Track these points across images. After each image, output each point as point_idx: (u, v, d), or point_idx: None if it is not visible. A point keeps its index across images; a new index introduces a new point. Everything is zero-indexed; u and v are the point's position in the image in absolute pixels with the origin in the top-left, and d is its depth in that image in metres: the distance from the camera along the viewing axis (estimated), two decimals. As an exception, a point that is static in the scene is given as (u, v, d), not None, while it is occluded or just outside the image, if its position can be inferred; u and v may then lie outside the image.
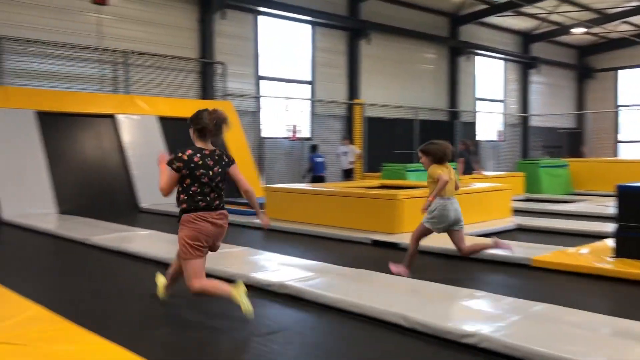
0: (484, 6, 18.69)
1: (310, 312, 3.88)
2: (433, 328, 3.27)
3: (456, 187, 5.02)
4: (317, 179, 13.45)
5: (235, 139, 12.59)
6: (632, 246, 4.78)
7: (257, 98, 14.19)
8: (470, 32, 19.55)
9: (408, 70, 17.83)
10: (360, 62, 16.26)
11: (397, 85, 17.49)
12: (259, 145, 14.13)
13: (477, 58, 20.34)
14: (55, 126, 10.27)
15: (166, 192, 3.53)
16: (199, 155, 3.52)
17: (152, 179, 10.81)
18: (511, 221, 7.75)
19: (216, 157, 3.56)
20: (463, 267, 5.37)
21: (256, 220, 7.89)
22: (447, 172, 4.85)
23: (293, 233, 7.40)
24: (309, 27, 15.33)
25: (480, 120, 20.62)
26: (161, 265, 5.26)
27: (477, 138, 20.16)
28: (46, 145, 9.96)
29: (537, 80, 22.73)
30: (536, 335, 3.05)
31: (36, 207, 9.33)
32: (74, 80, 11.24)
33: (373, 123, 16.46)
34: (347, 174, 13.63)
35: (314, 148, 13.96)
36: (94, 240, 6.50)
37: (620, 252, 4.87)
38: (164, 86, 12.49)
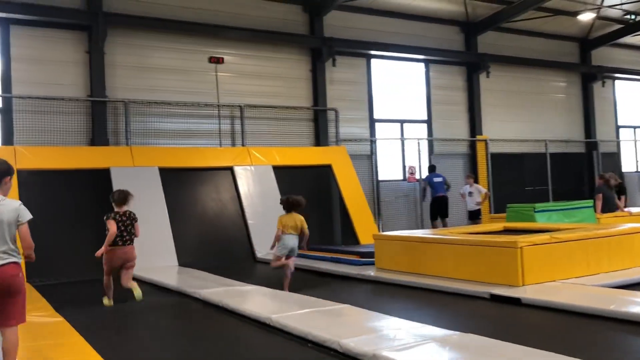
0: (617, 26, 17.09)
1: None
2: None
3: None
4: (438, 200, 12.82)
5: (348, 184, 12.37)
6: None
7: (372, 141, 13.93)
8: (604, 56, 17.92)
9: (534, 101, 16.63)
10: (480, 97, 15.46)
11: (523, 118, 16.35)
12: (375, 188, 13.78)
13: (616, 82, 18.55)
14: (176, 181, 10.73)
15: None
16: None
17: (267, 229, 10.89)
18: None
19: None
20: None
21: (365, 272, 7.53)
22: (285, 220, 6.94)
23: (403, 286, 6.86)
24: (422, 65, 14.92)
25: (625, 150, 18.60)
26: (254, 322, 5.04)
27: (623, 170, 18.18)
28: (168, 199, 10.39)
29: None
30: None
31: (160, 260, 9.68)
32: (194, 136, 11.76)
33: (498, 159, 15.45)
34: (474, 216, 12.77)
35: (432, 168, 13.48)
36: (201, 294, 6.46)
37: None
38: (279, 136, 12.68)
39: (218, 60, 12.07)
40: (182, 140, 11.59)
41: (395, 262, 7.52)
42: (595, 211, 10.11)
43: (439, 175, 13.27)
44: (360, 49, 13.69)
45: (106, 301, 6.55)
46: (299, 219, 6.95)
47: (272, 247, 7.09)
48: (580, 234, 6.46)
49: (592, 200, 10.23)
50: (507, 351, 3.73)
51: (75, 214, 9.65)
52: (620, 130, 18.68)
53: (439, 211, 12.99)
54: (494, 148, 15.52)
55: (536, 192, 16.07)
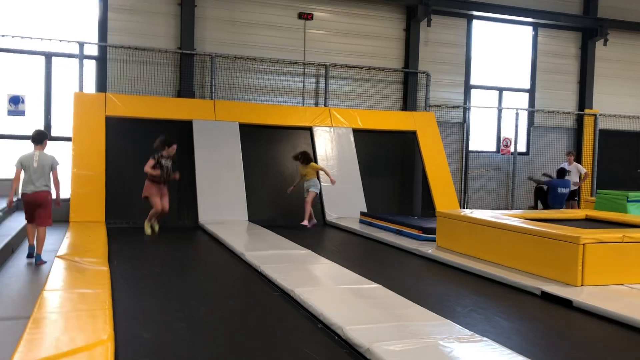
0: None
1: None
2: None
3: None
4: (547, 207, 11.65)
5: (433, 153, 11.83)
6: None
7: (466, 108, 13.14)
8: None
9: (659, 73, 14.76)
10: (593, 66, 13.98)
11: (642, 92, 14.61)
12: (464, 159, 13.08)
13: None
14: (255, 137, 10.82)
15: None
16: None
17: (340, 193, 10.78)
18: None
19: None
20: None
21: (424, 248, 7.19)
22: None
23: (454, 268, 6.47)
24: (529, 28, 13.69)
25: None
26: (280, 290, 4.97)
27: None
28: (245, 155, 10.53)
29: None
30: None
31: (231, 214, 9.91)
32: (278, 93, 11.73)
33: (609, 137, 14.02)
34: (570, 196, 11.71)
35: (561, 173, 11.15)
36: (246, 257, 6.50)
37: None
38: (364, 98, 12.32)
39: (307, 17, 11.82)
40: (265, 97, 11.61)
41: (455, 242, 7.09)
42: None
43: (566, 185, 11.03)
44: (461, 9, 12.79)
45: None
46: (315, 167, 9.93)
47: (291, 190, 9.90)
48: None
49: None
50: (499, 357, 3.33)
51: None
52: None
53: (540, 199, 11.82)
54: (605, 124, 14.08)
55: (650, 177, 14.48)
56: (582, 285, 5.26)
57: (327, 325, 4.11)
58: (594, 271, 5.30)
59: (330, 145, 11.22)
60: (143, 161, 9.72)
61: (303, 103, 11.90)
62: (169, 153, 8.38)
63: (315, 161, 10.97)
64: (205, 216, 9.63)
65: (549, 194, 11.22)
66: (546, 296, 5.17)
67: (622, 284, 5.37)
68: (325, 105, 11.83)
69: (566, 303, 4.94)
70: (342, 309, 4.39)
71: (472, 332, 3.88)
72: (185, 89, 10.95)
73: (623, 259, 5.42)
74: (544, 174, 12.11)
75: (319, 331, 4.10)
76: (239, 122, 10.74)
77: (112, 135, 9.93)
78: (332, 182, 9.74)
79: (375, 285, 5.23)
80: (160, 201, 8.30)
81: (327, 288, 5.20)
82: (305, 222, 9.52)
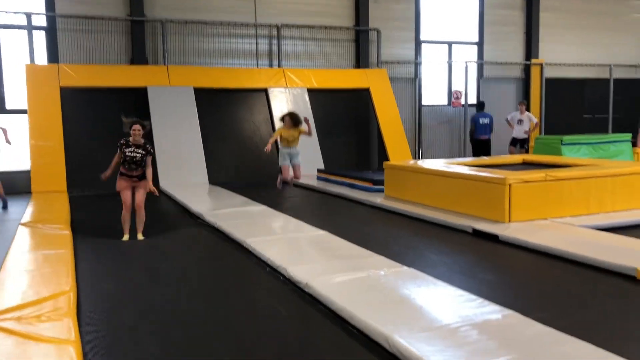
0: None
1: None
2: None
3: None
4: (480, 143, 12.46)
5: (386, 109, 12.22)
6: None
7: (417, 63, 13.52)
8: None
9: (600, 22, 15.30)
10: (539, 17, 14.44)
11: (587, 40, 15.16)
12: (417, 114, 13.53)
13: None
14: (210, 101, 11.03)
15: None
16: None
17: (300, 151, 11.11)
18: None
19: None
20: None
21: (373, 199, 7.66)
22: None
23: (399, 214, 6.96)
24: (476, -18, 14.03)
25: None
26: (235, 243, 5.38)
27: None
28: (201, 119, 10.76)
29: None
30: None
31: (191, 177, 10.21)
32: (231, 56, 11.88)
33: (555, 85, 14.62)
34: (521, 144, 12.37)
35: (480, 106, 12.78)
36: (205, 216, 6.86)
37: None
38: (317, 57, 12.56)
39: (257, -22, 11.91)
40: (219, 60, 11.76)
41: (401, 191, 7.57)
42: (636, 145, 9.54)
43: (486, 115, 12.56)
44: (409, -35, 13.02)
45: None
46: (302, 130, 8.53)
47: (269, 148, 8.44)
48: (582, 172, 6.21)
49: (629, 134, 9.63)
50: (428, 283, 3.83)
51: (113, 130, 10.19)
52: None
53: (481, 154, 12.52)
54: (551, 73, 14.65)
55: (595, 121, 15.20)
56: (509, 221, 5.80)
57: (273, 268, 4.53)
58: (519, 208, 5.83)
59: (286, 105, 11.49)
60: (101, 130, 9.92)
61: (257, 65, 12.09)
62: (134, 139, 5.81)
63: (272, 123, 11.28)
64: (166, 181, 9.90)
65: (475, 129, 12.18)
66: (477, 233, 5.69)
67: (545, 219, 5.93)
68: (279, 67, 12.05)
69: (493, 238, 5.47)
70: (287, 253, 4.82)
71: (401, 264, 4.35)
72: (138, 56, 11.03)
73: (546, 196, 5.96)
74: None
75: (267, 274, 4.52)
76: (193, 87, 10.93)
77: (68, 105, 10.02)
78: (310, 134, 8.68)
79: (322, 232, 5.66)
80: (131, 195, 5.95)
81: (277, 237, 5.61)
82: (278, 183, 8.89)
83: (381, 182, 8.27)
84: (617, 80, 15.24)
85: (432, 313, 3.38)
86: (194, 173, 10.29)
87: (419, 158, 13.45)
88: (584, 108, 15.31)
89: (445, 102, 14.02)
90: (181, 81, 10.91)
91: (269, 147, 8.36)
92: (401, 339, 2.91)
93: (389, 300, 3.61)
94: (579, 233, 5.33)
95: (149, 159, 5.93)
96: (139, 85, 10.60)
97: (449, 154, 13.90)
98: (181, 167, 10.24)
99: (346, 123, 12.27)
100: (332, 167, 11.06)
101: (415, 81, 13.56)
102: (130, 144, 5.82)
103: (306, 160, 11.08)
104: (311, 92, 11.83)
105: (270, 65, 12.21)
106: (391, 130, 12.11)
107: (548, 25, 14.62)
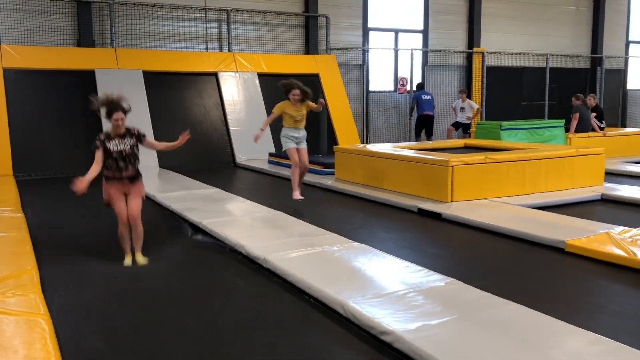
0: None
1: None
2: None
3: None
4: (424, 119, 12.94)
5: (335, 94, 12.48)
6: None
7: (364, 50, 13.83)
8: (621, -36, 17.01)
9: (539, 12, 16.04)
10: (480, 7, 15.01)
11: (526, 30, 15.87)
12: (365, 99, 13.87)
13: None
14: (160, 84, 10.98)
15: None
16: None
17: (248, 135, 11.25)
18: (597, 190, 6.82)
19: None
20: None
21: (324, 181, 7.92)
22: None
23: (348, 195, 7.27)
24: (422, -29, 14.42)
25: (633, 67, 18.06)
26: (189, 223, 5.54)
27: (628, 87, 17.83)
28: (151, 103, 10.71)
29: None
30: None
31: (141, 161, 10.15)
32: (181, 39, 11.83)
33: (496, 73, 15.25)
34: (464, 129, 12.92)
35: (420, 86, 13.46)
36: (158, 197, 6.94)
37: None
38: (267, 42, 12.66)
39: (207, -39, 11.87)
40: (168, 44, 11.69)
41: (350, 174, 7.87)
42: (569, 131, 10.19)
43: (427, 93, 13.21)
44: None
45: None
46: (311, 105, 6.37)
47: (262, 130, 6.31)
48: (518, 155, 6.67)
49: (563, 120, 10.27)
50: (379, 257, 4.13)
51: (60, 113, 10.06)
52: (631, 45, 18.06)
53: (424, 129, 13.07)
54: (492, 61, 15.27)
55: (532, 108, 15.97)
56: (452, 201, 6.18)
57: (231, 247, 4.72)
58: (461, 189, 6.23)
59: (237, 90, 11.59)
60: (47, 113, 9.76)
61: (207, 49, 12.09)
62: (115, 131, 4.44)
63: (223, 107, 11.34)
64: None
65: (418, 105, 12.89)
66: (422, 212, 6.06)
67: (484, 198, 6.35)
68: (229, 51, 12.09)
69: (437, 216, 5.84)
70: (244, 233, 5.02)
71: (353, 241, 4.64)
72: (85, 38, 10.84)
73: (485, 177, 6.39)
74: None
75: (227, 253, 4.71)
76: (142, 70, 10.85)
77: (12, 87, 9.78)
78: (318, 108, 6.49)
79: (277, 212, 5.88)
80: (126, 205, 4.53)
81: (233, 218, 5.80)
82: (298, 194, 6.44)
83: (331, 166, 8.53)
84: (552, 69, 16.03)
85: (382, 282, 3.68)
86: (143, 157, 10.20)
87: (367, 142, 13.81)
88: (522, 95, 16.05)
89: (392, 88, 14.41)
90: (130, 64, 10.80)
91: (259, 134, 6.20)
92: (355, 304, 3.19)
93: (342, 272, 3.88)
94: (515, 211, 5.76)
95: (148, 141, 4.70)
96: (86, 68, 10.43)
97: (395, 138, 14.33)
98: (131, 151, 10.18)
99: (296, 108, 12.44)
100: (282, 151, 11.24)
101: (363, 68, 13.87)
102: (112, 136, 4.44)
103: (257, 144, 11.22)
104: (261, 76, 11.94)
105: (220, 49, 12.23)
106: (340, 115, 12.39)
107: (490, 15, 15.21)
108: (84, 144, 9.64)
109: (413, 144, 8.91)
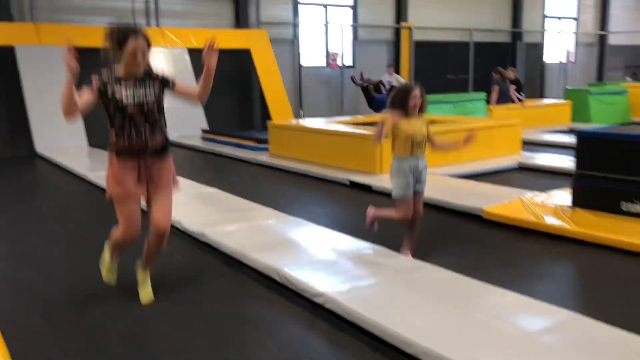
0: None
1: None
2: (302, 286, 3.25)
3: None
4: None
5: (267, 69, 12.51)
6: (588, 196, 4.40)
7: (295, 25, 13.88)
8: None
9: (464, -12, 16.60)
10: (408, -18, 15.35)
11: (451, 5, 16.38)
12: (298, 74, 13.97)
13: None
14: (85, 61, 10.61)
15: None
16: None
17: (180, 112, 11.16)
18: (514, 159, 7.32)
19: None
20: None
21: (258, 157, 8.05)
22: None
23: (282, 170, 7.44)
24: (350, -55, 14.55)
25: (548, 41, 19.04)
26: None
27: (545, 60, 18.79)
28: (77, 79, 10.37)
29: (621, -7, 20.46)
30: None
31: (69, 140, 9.91)
32: (106, 14, 11.46)
33: (423, 48, 15.69)
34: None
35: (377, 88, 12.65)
36: (89, 176, 6.86)
37: (577, 202, 4.49)
38: (197, 17, 12.48)
39: None
40: (94, 18, 11.31)
41: (284, 148, 8.03)
42: (490, 103, 10.75)
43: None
44: None
45: None
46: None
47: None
48: (443, 127, 7.05)
49: (484, 93, 10.82)
50: (312, 229, 4.35)
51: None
52: (546, 20, 18.97)
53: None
54: (419, 36, 15.68)
55: (458, 81, 16.56)
56: (381, 172, 6.47)
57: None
58: (387, 162, 6.50)
59: (166, 66, 11.40)
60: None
61: (134, 24, 11.77)
62: (130, 69, 3.02)
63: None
64: (42, 144, 9.57)
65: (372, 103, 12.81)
66: (353, 184, 6.32)
67: (412, 169, 6.68)
68: (157, 26, 11.85)
69: (367, 188, 6.12)
70: (180, 209, 5.08)
71: (287, 214, 4.83)
72: (1, 12, 10.33)
73: (412, 149, 6.70)
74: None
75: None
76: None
77: None
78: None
79: (212, 189, 5.98)
80: (151, 210, 3.16)
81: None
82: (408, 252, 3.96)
83: (265, 141, 8.66)
84: (476, 44, 16.66)
85: (316, 251, 3.90)
86: (72, 136, 9.98)
87: (300, 117, 13.96)
88: (448, 69, 16.61)
89: (324, 63, 14.57)
90: (53, 40, 10.39)
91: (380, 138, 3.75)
92: (290, 270, 3.39)
93: (277, 243, 4.07)
94: (438, 181, 6.12)
95: (180, 88, 3.14)
96: (5, 44, 9.97)
97: (328, 113, 14.56)
98: (58, 130, 9.87)
99: (228, 84, 12.39)
100: (216, 127, 11.24)
101: (294, 42, 13.93)
102: (123, 77, 2.98)
103: (189, 120, 11.18)
104: (192, 52, 11.78)
105: (148, 24, 11.96)
106: (273, 90, 12.45)
107: (417, -10, 15.59)
108: (6, 126, 9.31)
109: (345, 118, 9.15)
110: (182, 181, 6.49)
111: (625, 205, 4.18)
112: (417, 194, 3.91)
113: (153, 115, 2.99)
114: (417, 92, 3.79)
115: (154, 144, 2.99)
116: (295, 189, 6.41)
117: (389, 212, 4.00)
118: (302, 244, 4.07)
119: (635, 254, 3.89)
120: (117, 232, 3.12)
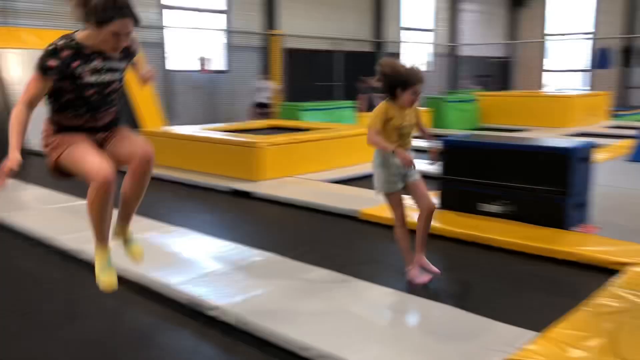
0: None
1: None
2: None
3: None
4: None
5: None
6: (453, 199, 4.86)
7: (161, 29, 13.54)
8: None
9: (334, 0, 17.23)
10: (279, -9, 15.64)
11: (319, 14, 16.95)
12: (166, 79, 13.64)
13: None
14: None
15: None
16: None
17: (38, 120, 10.43)
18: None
19: None
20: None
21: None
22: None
23: (163, 180, 7.25)
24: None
25: (406, 51, 20.34)
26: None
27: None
28: None
29: (469, 9, 22.42)
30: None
31: None
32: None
33: (294, 55, 16.04)
34: (265, 108, 13.38)
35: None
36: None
37: (444, 204, 4.94)
38: (59, 18, 11.72)
39: None
40: None
41: (160, 157, 7.74)
42: (359, 110, 11.30)
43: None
44: None
45: None
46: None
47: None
48: (318, 135, 7.32)
49: (352, 102, 11.38)
50: (197, 238, 4.36)
51: None
52: (403, 32, 20.27)
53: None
54: (291, 44, 16.02)
55: (327, 89, 17.13)
56: (261, 180, 6.58)
57: (39, 240, 4.52)
58: (269, 168, 6.66)
59: (23, 69, 10.59)
60: None
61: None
62: (111, 45, 2.48)
63: (3, 88, 10.32)
64: None
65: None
66: (236, 193, 6.36)
67: (291, 176, 6.87)
68: (15, 26, 11.00)
69: (247, 195, 6.20)
70: (52, 224, 4.82)
71: (169, 224, 4.77)
72: None
73: (290, 156, 6.90)
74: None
75: (34, 246, 4.49)
76: None
77: None
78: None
79: (81, 202, 5.68)
80: (120, 153, 2.75)
81: (37, 210, 5.48)
82: (417, 273, 3.69)
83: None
84: (345, 53, 17.35)
85: (203, 262, 3.90)
86: None
87: (171, 124, 13.62)
88: (319, 77, 17.13)
89: (196, 68, 14.38)
90: None
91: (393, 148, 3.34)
92: (179, 285, 3.38)
93: (163, 256, 4.01)
94: (316, 186, 6.36)
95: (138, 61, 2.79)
96: None
97: (203, 118, 14.37)
98: None
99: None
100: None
101: (161, 46, 13.59)
102: (89, 51, 2.49)
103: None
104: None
105: (6, 24, 11.06)
106: (142, 96, 12.04)
107: (288, -1, 15.94)
108: None
109: (220, 125, 9.13)
110: (47, 194, 6.14)
111: (481, 206, 4.69)
112: (413, 184, 3.60)
113: (111, 96, 2.61)
114: (419, 88, 3.35)
115: (103, 122, 2.64)
116: (175, 199, 6.29)
117: (401, 240, 3.70)
118: (188, 255, 4.06)
119: (489, 247, 4.36)
120: (90, 191, 2.51)
